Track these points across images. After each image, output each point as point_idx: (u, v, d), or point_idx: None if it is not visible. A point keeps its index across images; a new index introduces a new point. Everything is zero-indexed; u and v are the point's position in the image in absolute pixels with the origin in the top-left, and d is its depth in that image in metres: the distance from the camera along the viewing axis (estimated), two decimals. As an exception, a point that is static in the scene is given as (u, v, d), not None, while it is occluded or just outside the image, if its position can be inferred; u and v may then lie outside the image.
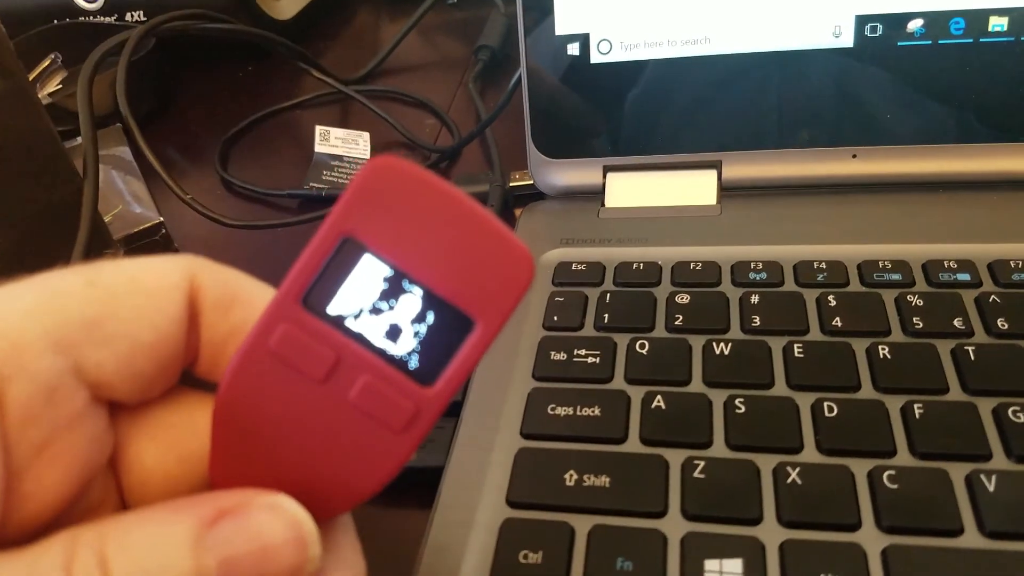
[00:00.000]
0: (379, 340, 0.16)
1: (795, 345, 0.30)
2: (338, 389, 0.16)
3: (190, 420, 0.18)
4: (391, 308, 0.16)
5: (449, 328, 0.16)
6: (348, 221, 0.15)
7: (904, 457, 0.26)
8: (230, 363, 0.16)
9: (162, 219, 0.45)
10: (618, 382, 0.30)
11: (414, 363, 0.16)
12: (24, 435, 0.15)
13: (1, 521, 0.14)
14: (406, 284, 0.15)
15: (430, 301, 0.15)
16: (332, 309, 0.16)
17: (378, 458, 0.16)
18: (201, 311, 0.17)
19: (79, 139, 0.43)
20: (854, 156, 0.38)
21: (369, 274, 0.15)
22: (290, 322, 0.15)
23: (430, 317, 0.16)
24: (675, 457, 0.27)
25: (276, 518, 0.15)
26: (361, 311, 0.16)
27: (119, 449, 0.17)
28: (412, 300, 0.15)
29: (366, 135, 0.53)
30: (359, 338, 0.16)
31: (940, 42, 0.36)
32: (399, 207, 0.15)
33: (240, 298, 0.17)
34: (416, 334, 0.16)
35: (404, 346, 0.16)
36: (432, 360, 0.16)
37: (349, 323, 0.16)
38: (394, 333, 0.16)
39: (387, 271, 0.15)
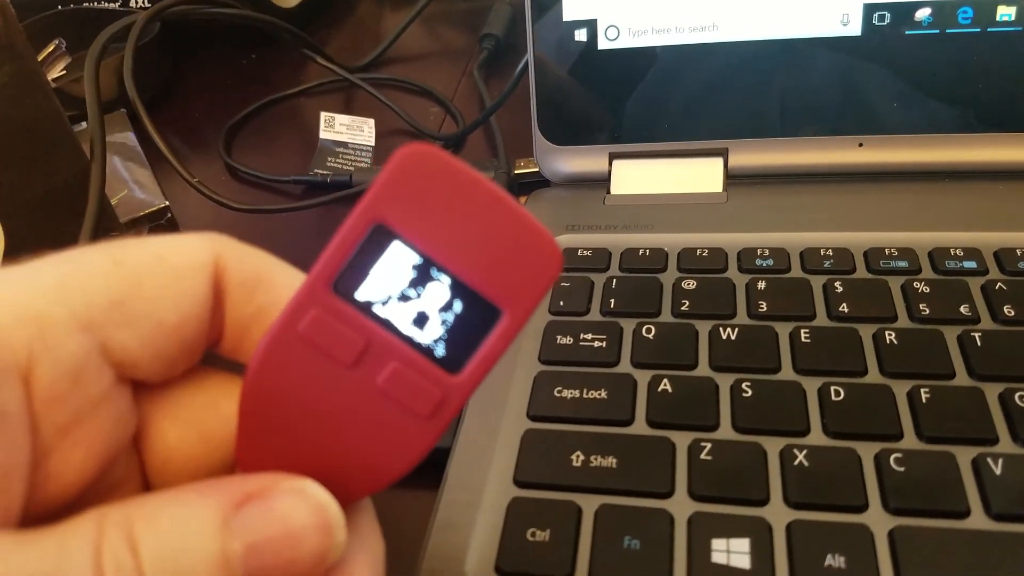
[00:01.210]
0: (406, 327, 0.16)
1: (802, 330, 0.30)
2: (366, 374, 0.16)
3: (212, 400, 0.18)
4: (419, 296, 0.16)
5: (476, 317, 0.16)
6: (379, 208, 0.15)
7: (911, 441, 0.26)
8: (259, 346, 0.16)
9: (167, 203, 0.45)
10: (624, 366, 0.30)
11: (441, 351, 0.16)
12: (50, 416, 0.15)
13: (28, 499, 0.14)
14: (434, 272, 0.15)
15: (458, 290, 0.16)
16: (361, 295, 0.16)
17: (403, 444, 0.16)
18: (226, 291, 0.17)
19: (84, 124, 0.43)
20: (860, 145, 0.38)
21: (398, 261, 0.15)
22: (320, 307, 0.16)
23: (457, 306, 0.16)
24: (682, 439, 0.27)
25: (302, 503, 0.15)
26: (390, 298, 0.16)
27: (142, 427, 0.17)
28: (440, 288, 0.16)
29: (371, 122, 0.53)
30: (387, 324, 0.16)
31: (948, 31, 0.36)
32: (430, 195, 0.15)
33: (265, 279, 0.17)
34: (443, 322, 0.16)
35: (431, 334, 0.16)
36: (459, 348, 0.16)
37: (377, 309, 0.16)
38: (421, 320, 0.16)
39: (416, 258, 0.15)
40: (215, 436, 0.18)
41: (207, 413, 0.18)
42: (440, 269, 0.15)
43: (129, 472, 0.17)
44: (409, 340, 0.16)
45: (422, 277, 0.15)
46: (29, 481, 0.14)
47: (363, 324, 0.16)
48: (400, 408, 0.16)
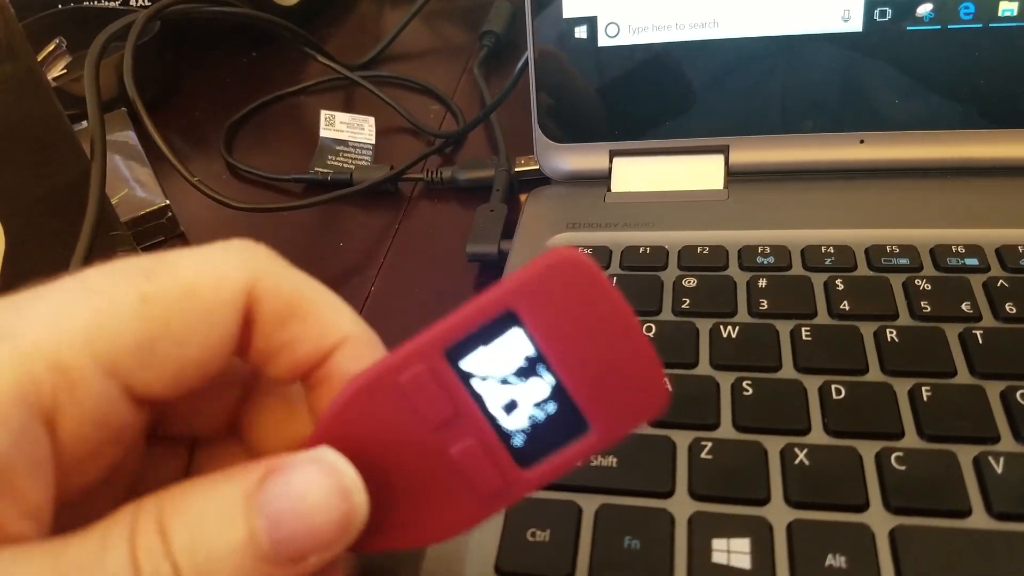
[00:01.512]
0: (496, 408, 0.16)
1: (803, 328, 0.30)
2: (443, 441, 0.16)
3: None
4: (518, 384, 0.16)
5: (564, 423, 0.16)
6: (517, 299, 0.16)
7: (912, 439, 0.26)
8: (354, 381, 0.16)
9: (168, 202, 0.45)
10: (625, 364, 0.30)
11: (519, 441, 0.16)
12: (73, 453, 0.15)
13: (50, 521, 0.15)
14: (541, 369, 0.16)
15: (558, 393, 0.16)
16: (466, 365, 0.16)
17: (449, 515, 0.17)
18: (256, 322, 0.17)
19: (84, 123, 0.43)
20: (862, 141, 0.38)
21: (513, 348, 0.16)
22: (427, 365, 0.16)
23: (550, 407, 0.16)
24: (682, 438, 0.27)
25: (317, 471, 0.15)
26: (490, 377, 0.16)
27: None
28: (541, 385, 0.16)
29: (371, 120, 0.53)
30: (479, 399, 0.16)
31: (949, 27, 0.36)
32: (568, 299, 0.15)
33: (300, 310, 0.17)
34: (531, 417, 0.16)
35: (516, 423, 0.16)
36: (536, 445, 0.16)
37: (475, 383, 0.16)
38: (511, 407, 0.16)
39: (531, 351, 0.16)
40: (231, 387, 0.19)
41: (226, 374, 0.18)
42: (548, 368, 0.16)
43: (136, 440, 0.18)
44: (494, 421, 0.16)
45: (529, 370, 0.16)
46: (51, 506, 0.15)
47: (458, 393, 0.16)
48: (461, 482, 0.16)
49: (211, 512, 0.14)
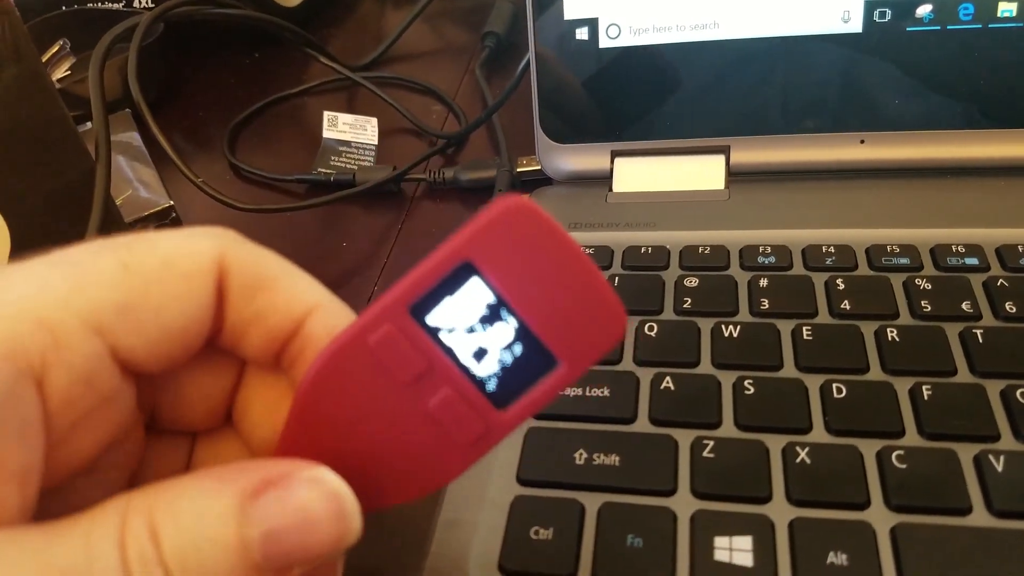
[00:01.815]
0: (466, 358, 0.16)
1: (804, 328, 0.30)
2: (419, 395, 0.17)
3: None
4: (484, 331, 0.16)
5: (533, 362, 0.17)
6: (471, 249, 0.16)
7: (913, 437, 0.26)
8: (326, 349, 0.17)
9: (172, 203, 0.45)
10: (627, 363, 0.30)
11: (492, 386, 0.17)
12: (64, 415, 0.15)
13: (35, 492, 0.15)
14: (504, 313, 0.16)
15: (522, 333, 0.16)
16: (432, 320, 0.16)
17: (436, 466, 0.17)
18: (228, 293, 0.18)
19: (89, 124, 0.43)
20: (862, 141, 0.38)
21: (474, 297, 0.16)
22: (394, 325, 0.16)
23: (518, 348, 0.16)
24: (684, 437, 0.27)
25: (319, 492, 0.16)
26: (457, 328, 0.16)
27: (154, 386, 0.19)
28: (505, 328, 0.16)
29: (374, 121, 0.53)
30: (449, 352, 0.16)
31: (949, 28, 0.36)
32: (519, 244, 0.16)
33: (267, 284, 0.18)
34: (501, 360, 0.17)
35: (487, 368, 0.17)
36: (510, 386, 0.17)
37: (444, 336, 0.16)
38: (481, 354, 0.16)
39: (491, 298, 0.16)
40: (223, 367, 0.19)
41: (215, 357, 0.19)
42: (510, 311, 0.16)
43: (133, 427, 0.18)
44: (466, 370, 0.17)
45: (492, 315, 0.16)
46: (43, 474, 0.15)
47: (428, 348, 0.16)
48: (443, 432, 0.17)
49: (203, 516, 0.15)
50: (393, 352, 0.16)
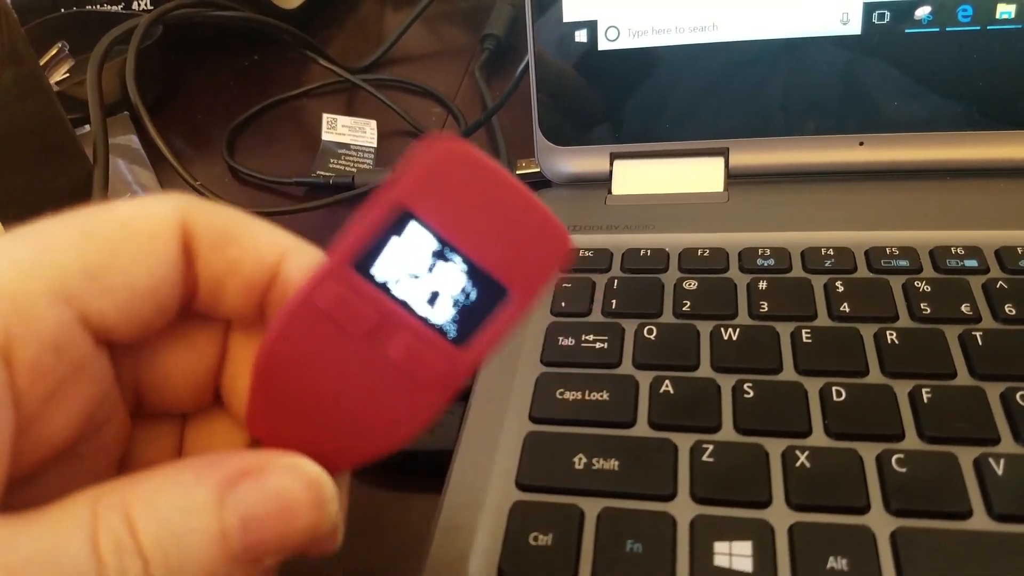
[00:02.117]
0: (420, 305, 0.17)
1: (803, 330, 0.30)
2: (379, 347, 0.17)
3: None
4: (433, 276, 0.16)
5: (486, 297, 0.17)
6: (406, 196, 0.16)
7: (912, 441, 0.26)
8: (276, 317, 0.17)
9: (170, 206, 0.45)
10: (626, 367, 0.30)
11: (451, 328, 0.17)
12: (33, 388, 0.15)
13: (13, 469, 0.15)
14: (448, 254, 0.16)
15: (470, 271, 0.16)
16: (379, 274, 0.16)
17: (408, 413, 0.17)
18: (196, 250, 0.17)
19: (87, 127, 0.43)
20: (861, 143, 0.38)
21: (416, 244, 0.16)
22: (340, 283, 0.16)
23: (469, 286, 0.17)
24: (684, 441, 0.27)
25: (295, 479, 0.16)
26: (404, 277, 0.16)
27: (136, 364, 0.18)
28: (453, 270, 0.16)
29: (373, 123, 0.53)
30: (401, 302, 0.17)
31: (947, 29, 0.36)
32: (452, 184, 0.16)
33: (234, 233, 0.18)
34: (455, 301, 0.17)
35: (442, 312, 0.17)
36: (468, 326, 0.17)
37: (393, 287, 0.16)
38: (434, 299, 0.17)
39: (433, 242, 0.16)
40: (205, 342, 0.19)
41: (196, 329, 0.19)
42: (455, 251, 0.16)
43: (115, 410, 0.18)
44: (421, 317, 0.17)
45: (438, 259, 0.16)
46: (14, 454, 0.15)
47: (379, 301, 0.16)
48: (409, 379, 0.17)
49: (182, 506, 0.15)
50: (344, 310, 0.16)
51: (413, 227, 0.16)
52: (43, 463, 0.16)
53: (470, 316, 0.17)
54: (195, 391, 0.20)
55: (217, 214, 0.18)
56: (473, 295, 0.17)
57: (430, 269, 0.16)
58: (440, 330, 0.17)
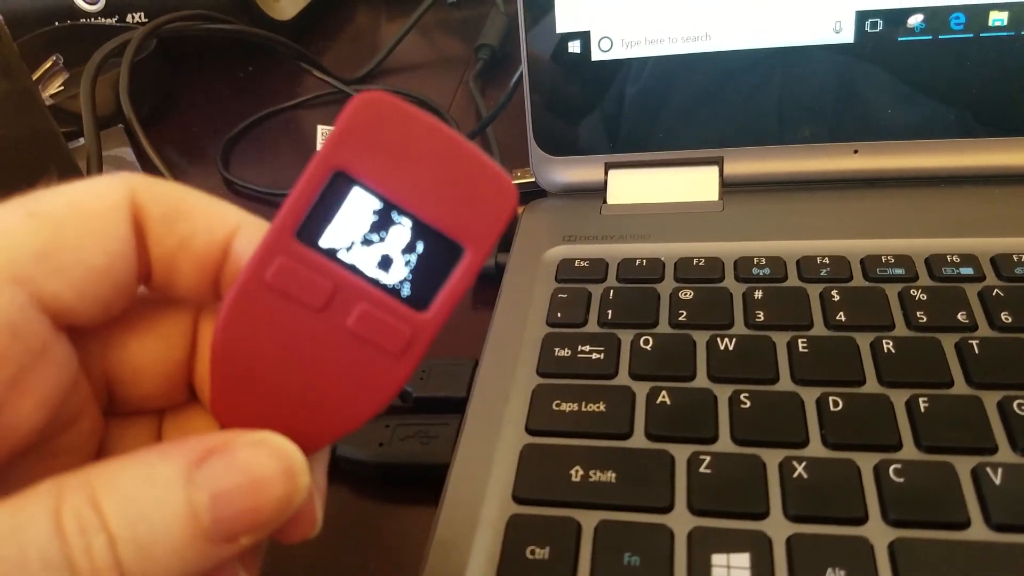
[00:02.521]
0: (371, 270, 0.16)
1: (799, 340, 0.30)
2: (336, 317, 0.16)
3: (161, 305, 0.19)
4: (382, 239, 0.16)
5: (439, 255, 0.16)
6: (337, 156, 0.16)
7: (910, 451, 0.26)
8: (226, 297, 0.16)
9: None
10: (622, 378, 0.30)
11: (407, 290, 0.16)
12: None
13: None
14: (395, 215, 0.16)
15: (419, 230, 0.16)
16: (325, 242, 0.16)
17: (375, 382, 0.17)
18: (147, 227, 0.17)
19: (82, 140, 0.43)
20: (855, 151, 0.38)
21: (360, 206, 0.16)
22: (286, 255, 0.16)
23: (420, 246, 0.16)
24: (681, 452, 0.27)
25: (264, 452, 0.16)
26: (353, 243, 0.16)
27: (104, 348, 0.18)
28: (402, 230, 0.16)
29: (367, 134, 0.53)
30: (353, 269, 0.16)
31: (940, 37, 0.36)
32: (387, 140, 0.16)
33: (183, 209, 0.18)
34: (407, 263, 0.16)
35: (396, 275, 0.16)
36: (424, 287, 0.16)
37: (342, 255, 0.16)
38: (386, 263, 0.16)
39: (377, 203, 0.16)
40: (173, 332, 0.19)
41: (162, 318, 0.19)
42: (401, 211, 0.16)
43: (85, 404, 0.18)
44: (375, 282, 0.16)
45: (384, 220, 0.16)
46: None
47: (329, 269, 0.16)
48: (371, 348, 0.16)
49: (148, 484, 0.14)
50: (294, 282, 0.16)
51: (354, 190, 0.16)
52: (13, 453, 0.16)
53: (426, 277, 0.16)
54: (167, 384, 0.19)
55: (167, 190, 0.18)
56: (425, 254, 0.16)
57: (378, 232, 0.16)
58: (396, 294, 0.16)
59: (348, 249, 0.16)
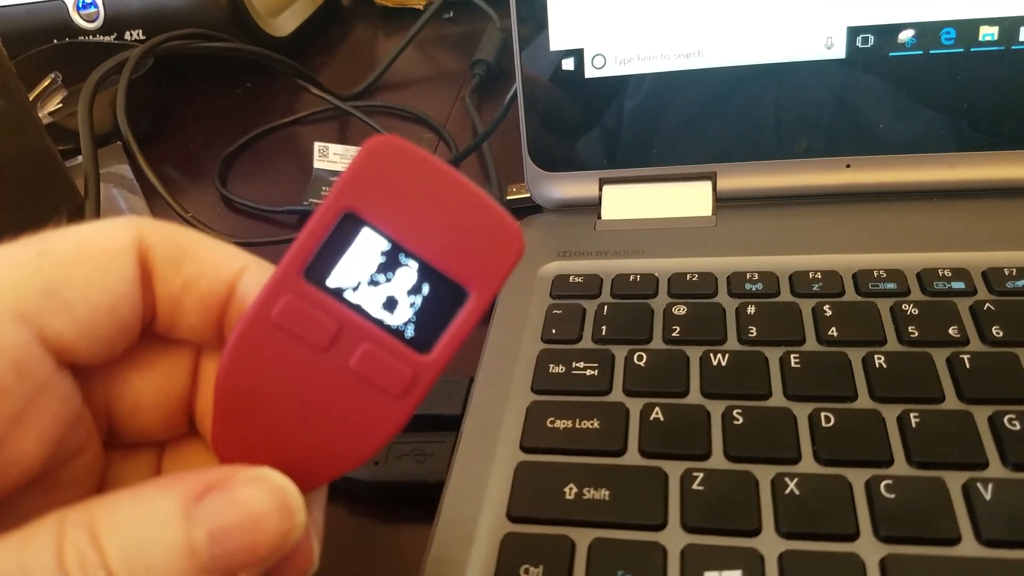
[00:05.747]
0: (377, 311, 0.16)
1: (792, 355, 0.30)
2: (339, 357, 0.17)
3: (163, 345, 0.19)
4: (388, 280, 0.16)
5: (444, 298, 0.16)
6: (349, 197, 0.16)
7: (901, 466, 0.26)
8: (232, 333, 0.17)
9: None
10: (616, 394, 0.30)
11: (411, 332, 0.17)
12: None
13: None
14: (403, 257, 0.16)
15: (425, 273, 0.16)
16: (332, 281, 0.16)
17: (375, 423, 0.17)
18: (153, 269, 0.18)
19: (80, 158, 0.43)
20: (848, 166, 0.38)
21: (368, 248, 0.16)
22: (292, 294, 0.16)
23: (425, 288, 0.16)
24: (674, 469, 0.27)
25: (262, 489, 0.16)
26: (360, 283, 0.16)
27: (106, 384, 0.18)
28: (408, 272, 0.16)
29: (364, 150, 0.53)
30: (358, 309, 0.16)
31: (931, 52, 0.37)
32: (397, 184, 0.16)
33: (190, 252, 0.18)
34: (412, 304, 0.16)
35: (401, 316, 0.16)
36: (428, 329, 0.17)
37: (348, 295, 0.16)
38: (391, 304, 0.16)
39: (385, 245, 0.16)
40: (175, 367, 0.19)
41: (164, 353, 0.19)
42: (408, 254, 0.16)
43: (87, 437, 0.18)
44: (380, 323, 0.16)
45: (391, 262, 0.16)
46: None
47: (335, 309, 0.16)
48: (372, 388, 0.17)
49: (147, 520, 0.15)
50: (299, 321, 0.16)
51: (364, 232, 0.16)
52: (15, 487, 0.16)
53: (430, 319, 0.16)
54: (168, 418, 0.20)
55: (173, 232, 0.18)
56: (431, 297, 0.16)
57: (385, 273, 0.16)
58: (400, 335, 0.16)
59: (355, 289, 0.16)
